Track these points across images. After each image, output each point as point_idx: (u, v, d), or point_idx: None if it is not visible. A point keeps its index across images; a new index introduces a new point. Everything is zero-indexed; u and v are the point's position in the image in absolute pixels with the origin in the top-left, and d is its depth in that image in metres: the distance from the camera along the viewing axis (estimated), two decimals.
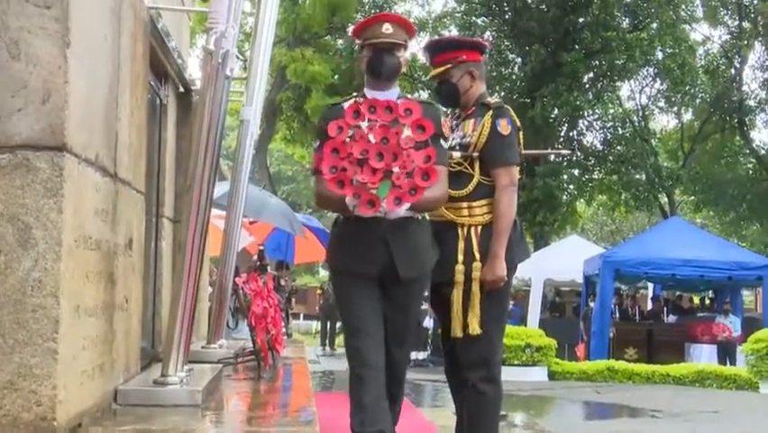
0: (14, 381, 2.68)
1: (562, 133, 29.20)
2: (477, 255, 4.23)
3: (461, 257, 4.21)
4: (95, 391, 3.18)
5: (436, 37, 5.18)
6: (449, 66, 4.44)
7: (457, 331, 4.22)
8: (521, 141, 4.48)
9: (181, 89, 5.81)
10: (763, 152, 32.36)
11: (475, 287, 4.23)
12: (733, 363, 16.37)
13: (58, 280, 2.71)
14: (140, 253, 4.04)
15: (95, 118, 3.13)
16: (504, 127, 4.33)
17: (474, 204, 4.29)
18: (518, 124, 4.46)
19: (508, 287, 4.43)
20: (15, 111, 2.73)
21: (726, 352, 16.79)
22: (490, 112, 4.37)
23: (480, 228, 4.28)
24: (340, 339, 22.74)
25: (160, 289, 5.26)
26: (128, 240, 3.71)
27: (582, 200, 31.01)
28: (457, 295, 4.23)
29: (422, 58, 31.42)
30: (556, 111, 26.91)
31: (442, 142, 3.95)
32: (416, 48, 30.79)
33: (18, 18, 2.75)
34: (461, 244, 4.22)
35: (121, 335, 3.59)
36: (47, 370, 2.69)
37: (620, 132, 28.91)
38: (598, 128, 29.65)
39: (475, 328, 4.21)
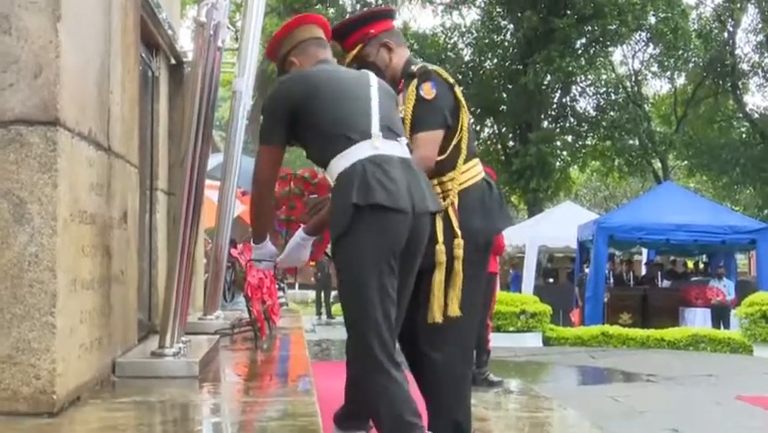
0: (13, 355, 2.70)
1: (555, 100, 29.19)
2: (458, 231, 3.86)
3: (440, 237, 3.81)
4: (93, 364, 3.20)
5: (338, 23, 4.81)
6: (360, 45, 4.13)
7: (437, 315, 3.81)
8: (459, 97, 4.02)
9: (173, 61, 5.80)
10: (756, 115, 32.38)
11: (457, 266, 3.85)
12: (726, 326, 16.49)
13: (54, 255, 2.72)
14: (134, 226, 4.04)
15: (87, 92, 3.13)
16: (427, 91, 3.92)
17: (444, 178, 3.93)
18: (451, 81, 4.02)
19: (484, 262, 4.10)
20: (7, 86, 2.73)
21: (720, 316, 16.90)
22: (415, 80, 3.96)
23: (455, 201, 3.91)
24: (336, 308, 22.89)
25: (155, 261, 5.27)
26: (123, 213, 3.72)
27: (576, 166, 31.04)
28: (439, 277, 3.82)
29: (413, 25, 31.37)
30: (549, 77, 26.90)
31: None
32: (408, 15, 30.71)
33: None
34: (439, 224, 3.81)
35: (118, 307, 3.61)
36: (45, 344, 2.71)
37: (613, 97, 28.94)
38: (590, 94, 29.65)
39: (455, 310, 3.83)
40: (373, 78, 3.70)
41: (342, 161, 3.34)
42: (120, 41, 3.67)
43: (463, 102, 4.05)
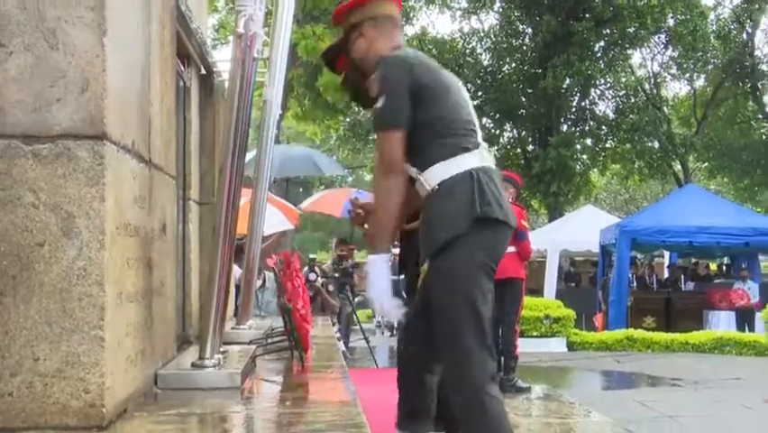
0: (63, 369, 2.70)
1: (574, 103, 29.13)
2: None
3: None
4: (137, 377, 3.21)
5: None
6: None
7: None
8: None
9: (203, 71, 5.81)
10: None
11: None
12: (752, 329, 16.41)
13: (102, 269, 2.73)
14: (173, 237, 4.06)
15: (130, 106, 3.14)
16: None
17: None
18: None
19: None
20: (55, 101, 2.74)
21: (745, 318, 16.81)
22: None
23: None
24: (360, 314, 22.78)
25: (188, 271, 5.29)
26: (162, 225, 3.72)
27: (596, 170, 30.97)
28: None
29: (431, 31, 31.32)
30: (568, 81, 26.85)
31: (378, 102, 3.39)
32: (426, 21, 30.69)
33: (55, 8, 2.74)
34: None
35: (159, 319, 3.61)
36: (94, 357, 2.71)
37: (632, 100, 28.85)
38: (610, 97, 29.60)
39: None
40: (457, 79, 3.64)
41: (453, 168, 3.30)
42: (158, 53, 3.68)
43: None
